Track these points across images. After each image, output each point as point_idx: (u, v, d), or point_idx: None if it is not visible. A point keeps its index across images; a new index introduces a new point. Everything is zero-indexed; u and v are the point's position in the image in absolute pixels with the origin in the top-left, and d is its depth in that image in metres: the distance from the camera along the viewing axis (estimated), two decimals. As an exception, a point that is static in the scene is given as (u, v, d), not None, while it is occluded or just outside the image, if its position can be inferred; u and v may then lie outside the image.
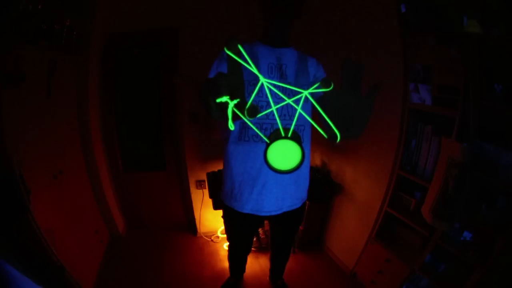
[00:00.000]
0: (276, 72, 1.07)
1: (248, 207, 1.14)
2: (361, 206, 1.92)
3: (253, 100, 1.03)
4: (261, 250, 2.22)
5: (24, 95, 1.34)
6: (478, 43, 1.16)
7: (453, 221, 1.31)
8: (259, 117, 1.05)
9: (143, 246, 2.30)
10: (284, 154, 0.66)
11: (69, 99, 1.90)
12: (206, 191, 2.31)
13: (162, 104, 2.22)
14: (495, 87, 1.17)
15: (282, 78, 1.07)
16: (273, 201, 1.13)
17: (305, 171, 1.19)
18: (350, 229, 2.03)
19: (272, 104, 0.82)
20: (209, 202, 2.25)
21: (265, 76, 1.05)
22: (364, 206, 1.89)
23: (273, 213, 1.16)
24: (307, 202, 2.05)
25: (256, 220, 1.25)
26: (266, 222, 2.05)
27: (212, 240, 2.38)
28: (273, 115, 1.05)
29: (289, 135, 0.65)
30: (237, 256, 1.63)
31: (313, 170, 2.22)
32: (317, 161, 2.34)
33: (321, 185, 2.10)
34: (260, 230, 2.28)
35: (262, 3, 1.03)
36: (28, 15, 1.23)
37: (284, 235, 1.47)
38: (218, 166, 1.25)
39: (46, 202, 1.45)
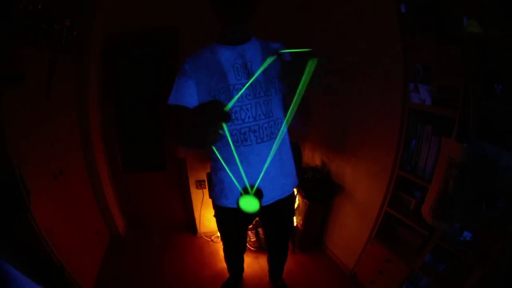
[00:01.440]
0: (243, 72, 1.04)
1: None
2: (361, 206, 1.92)
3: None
4: (261, 250, 2.22)
5: (24, 95, 1.34)
6: (478, 43, 1.16)
7: (453, 221, 1.31)
8: (236, 123, 1.05)
9: (143, 246, 2.31)
10: (249, 202, 0.90)
11: (69, 99, 1.90)
12: (206, 191, 2.31)
13: (162, 104, 2.22)
14: (495, 87, 1.17)
15: (249, 77, 1.03)
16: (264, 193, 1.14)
17: (290, 162, 1.20)
18: (350, 229, 2.03)
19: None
20: (209, 202, 2.25)
21: (232, 80, 1.03)
22: (364, 206, 1.89)
23: (264, 204, 1.13)
24: (307, 202, 2.07)
25: (247, 215, 1.24)
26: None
27: (212, 240, 2.38)
28: (249, 118, 1.05)
29: (253, 192, 0.89)
30: (232, 255, 1.62)
31: (313, 170, 2.22)
32: (317, 161, 2.34)
33: (321, 185, 2.10)
34: (260, 230, 2.28)
35: (214, 5, 0.97)
36: (28, 15, 1.23)
37: (276, 231, 1.46)
38: (218, 166, 1.29)
39: (46, 202, 1.45)
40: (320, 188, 2.10)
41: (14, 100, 1.26)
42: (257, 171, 1.09)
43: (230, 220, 1.30)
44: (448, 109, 1.32)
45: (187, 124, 0.78)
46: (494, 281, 1.21)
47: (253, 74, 1.03)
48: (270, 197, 1.16)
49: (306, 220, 2.13)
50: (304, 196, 2.09)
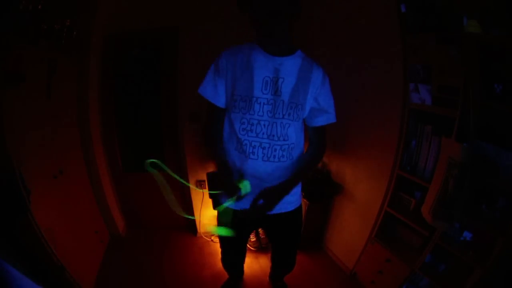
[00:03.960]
0: (271, 87, 1.01)
1: (237, 206, 1.13)
2: (361, 206, 1.92)
3: (244, 118, 1.03)
4: (261, 250, 2.22)
5: (24, 95, 1.34)
6: (478, 43, 1.16)
7: (453, 221, 1.31)
8: (250, 134, 1.05)
9: (143, 246, 2.30)
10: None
11: (69, 99, 1.90)
12: (206, 191, 2.30)
13: (162, 104, 2.22)
14: (495, 87, 1.17)
15: (276, 95, 1.01)
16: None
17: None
18: (350, 229, 2.03)
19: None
20: (209, 202, 2.25)
21: (258, 93, 1.01)
22: (364, 206, 1.88)
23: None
24: (307, 202, 2.07)
25: (246, 222, 1.21)
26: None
27: (212, 240, 2.38)
28: (263, 134, 1.03)
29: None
30: (230, 262, 1.57)
31: (313, 170, 2.22)
32: (317, 161, 2.34)
33: (321, 185, 2.10)
34: (260, 230, 2.27)
35: (250, 19, 0.94)
36: (28, 15, 1.23)
37: (281, 244, 1.41)
38: (218, 166, 1.30)
39: (46, 202, 1.45)
40: (320, 188, 2.09)
41: (14, 100, 1.26)
42: (256, 185, 1.06)
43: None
44: (448, 109, 1.32)
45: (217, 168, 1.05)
46: (494, 281, 1.21)
47: (280, 93, 1.01)
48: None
49: (306, 220, 2.13)
50: (304, 196, 2.09)
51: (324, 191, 2.11)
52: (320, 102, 1.08)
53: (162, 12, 1.97)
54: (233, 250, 1.45)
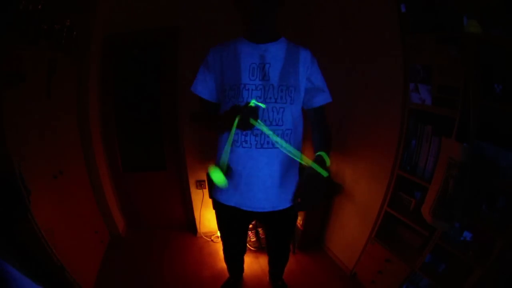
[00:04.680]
0: (258, 73, 1.02)
1: (232, 201, 1.16)
2: (361, 206, 1.92)
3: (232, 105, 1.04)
4: (261, 250, 2.22)
5: (24, 95, 1.34)
6: (478, 43, 1.16)
7: (453, 221, 1.31)
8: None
9: (143, 246, 2.31)
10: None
11: (69, 99, 1.90)
12: (206, 191, 2.31)
13: (162, 104, 2.22)
14: (495, 87, 1.17)
15: (264, 80, 1.02)
16: (256, 200, 1.13)
17: (291, 176, 1.17)
18: (350, 229, 2.03)
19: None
20: (209, 202, 2.25)
21: (245, 79, 1.02)
22: (364, 206, 1.89)
23: (256, 210, 1.15)
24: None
25: (242, 216, 1.23)
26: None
27: (212, 240, 2.38)
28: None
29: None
30: (230, 255, 1.60)
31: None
32: (317, 161, 2.34)
33: (321, 185, 2.10)
34: (260, 230, 2.28)
35: (236, 2, 0.97)
36: (28, 15, 1.23)
37: (276, 237, 1.44)
38: (218, 166, 1.30)
39: (46, 202, 1.45)
40: (320, 188, 2.09)
41: (14, 100, 1.26)
42: (252, 175, 1.08)
43: (226, 217, 1.30)
44: (448, 109, 1.32)
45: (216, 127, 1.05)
46: (494, 281, 1.21)
47: (268, 77, 1.02)
48: (262, 205, 1.14)
49: (306, 220, 2.13)
50: (304, 196, 2.09)
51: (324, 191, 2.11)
52: (313, 81, 1.09)
53: (162, 12, 1.97)
54: (233, 243, 1.48)
